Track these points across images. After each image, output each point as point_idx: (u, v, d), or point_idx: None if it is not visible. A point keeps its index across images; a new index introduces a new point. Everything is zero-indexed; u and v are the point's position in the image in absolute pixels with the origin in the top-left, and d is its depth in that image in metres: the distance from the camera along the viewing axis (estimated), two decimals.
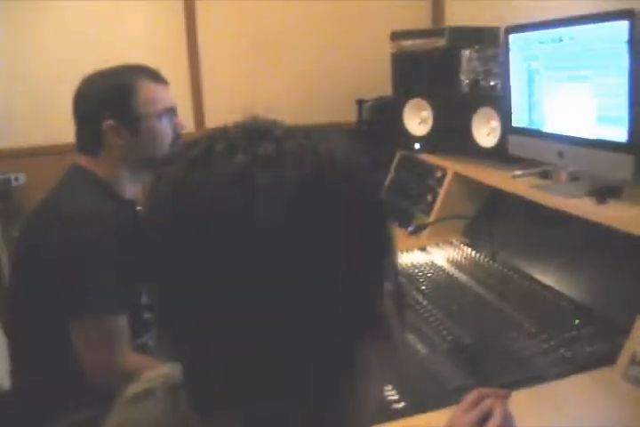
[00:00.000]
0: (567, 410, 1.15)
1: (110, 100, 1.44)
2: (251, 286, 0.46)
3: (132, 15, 2.59)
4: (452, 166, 2.18)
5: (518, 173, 1.86)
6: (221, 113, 2.76)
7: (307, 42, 2.84)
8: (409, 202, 2.35)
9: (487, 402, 0.99)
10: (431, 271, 1.84)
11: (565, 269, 1.65)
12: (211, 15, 2.68)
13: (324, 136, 0.52)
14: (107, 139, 1.47)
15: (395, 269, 0.55)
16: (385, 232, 0.52)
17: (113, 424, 0.59)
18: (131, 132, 1.47)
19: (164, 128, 1.51)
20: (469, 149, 2.10)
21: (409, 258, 1.97)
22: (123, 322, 1.39)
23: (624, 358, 1.25)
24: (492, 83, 2.03)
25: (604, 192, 1.59)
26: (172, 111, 1.54)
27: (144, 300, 1.46)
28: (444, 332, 1.47)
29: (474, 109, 2.06)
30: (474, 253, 1.92)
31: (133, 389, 0.60)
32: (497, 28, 2.12)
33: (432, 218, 2.18)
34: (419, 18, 2.86)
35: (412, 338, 1.46)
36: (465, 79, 2.11)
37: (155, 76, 1.50)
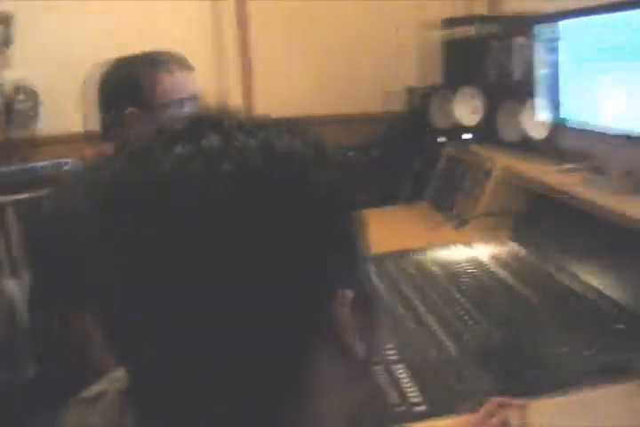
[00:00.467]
0: (597, 423, 1.09)
1: (132, 87, 1.43)
2: (180, 285, 0.43)
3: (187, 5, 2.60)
4: (501, 159, 2.10)
5: (568, 167, 1.77)
6: (271, 103, 2.75)
7: (356, 30, 2.77)
8: (456, 195, 2.28)
9: (504, 413, 0.94)
10: (472, 268, 1.77)
11: (612, 270, 1.57)
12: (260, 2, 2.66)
13: (290, 128, 0.49)
14: (129, 126, 1.46)
15: (362, 274, 0.51)
16: (341, 232, 0.48)
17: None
18: (152, 120, 1.46)
19: None
20: (519, 141, 2.02)
21: (451, 254, 1.91)
22: None
23: None
24: (544, 72, 1.94)
25: None
26: (194, 99, 1.51)
27: None
28: (478, 332, 1.42)
29: (525, 100, 1.98)
30: (519, 249, 1.85)
31: (91, 389, 0.58)
32: (552, 15, 2.02)
33: (478, 212, 2.11)
34: (472, 4, 2.76)
35: (443, 338, 1.42)
36: (517, 68, 2.02)
37: (178, 62, 1.48)
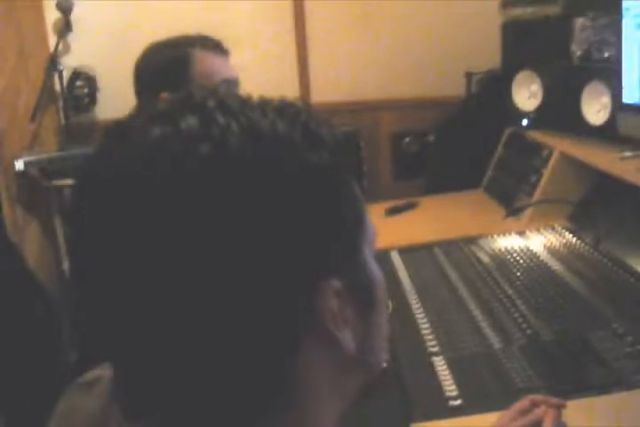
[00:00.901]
0: None
1: (166, 71, 1.43)
2: (154, 270, 0.42)
3: None
4: (559, 145, 2.02)
5: (627, 154, 1.68)
6: (327, 87, 2.72)
7: (412, 12, 2.71)
8: (513, 181, 2.21)
9: (538, 411, 0.90)
10: (524, 258, 1.71)
11: None
12: None
13: (278, 110, 0.46)
14: None
15: (358, 265, 0.48)
16: (330, 219, 0.45)
17: (58, 409, 0.57)
18: None
19: None
20: (578, 127, 1.93)
21: (503, 242, 1.85)
22: None
23: None
24: (605, 54, 1.84)
25: None
26: (231, 83, 1.49)
27: None
28: (524, 325, 1.37)
29: (584, 83, 1.88)
30: (575, 240, 1.77)
31: (91, 374, 0.58)
32: None
33: (534, 200, 2.04)
34: None
35: (487, 331, 1.37)
36: (577, 50, 1.92)
37: (214, 46, 1.46)
